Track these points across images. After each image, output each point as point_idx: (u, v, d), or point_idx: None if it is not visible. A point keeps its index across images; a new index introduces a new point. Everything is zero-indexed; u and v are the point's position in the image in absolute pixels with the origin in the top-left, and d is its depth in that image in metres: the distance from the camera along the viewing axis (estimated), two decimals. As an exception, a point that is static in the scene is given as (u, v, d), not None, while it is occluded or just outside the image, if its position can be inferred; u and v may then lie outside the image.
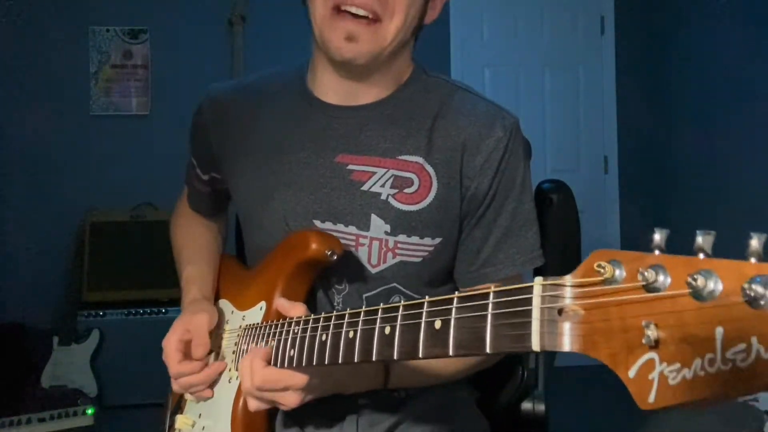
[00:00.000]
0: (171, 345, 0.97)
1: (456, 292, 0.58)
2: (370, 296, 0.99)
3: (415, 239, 0.96)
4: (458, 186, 0.97)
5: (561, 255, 1.13)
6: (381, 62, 0.95)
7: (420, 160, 0.96)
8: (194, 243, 1.17)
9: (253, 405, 0.85)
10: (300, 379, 0.80)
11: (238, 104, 1.07)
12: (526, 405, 1.16)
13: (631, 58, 3.99)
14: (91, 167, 3.49)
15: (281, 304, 0.89)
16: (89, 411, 2.71)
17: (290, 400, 0.82)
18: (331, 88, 1.00)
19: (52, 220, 3.41)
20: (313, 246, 0.91)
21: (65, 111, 3.50)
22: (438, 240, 0.98)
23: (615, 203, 4.01)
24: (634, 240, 3.99)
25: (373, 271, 0.97)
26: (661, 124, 3.92)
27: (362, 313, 0.69)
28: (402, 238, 0.96)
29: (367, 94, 0.99)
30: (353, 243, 0.97)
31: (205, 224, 1.22)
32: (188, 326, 0.98)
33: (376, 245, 0.96)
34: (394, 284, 0.98)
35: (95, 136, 3.52)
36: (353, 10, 0.89)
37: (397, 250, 0.97)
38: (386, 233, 0.96)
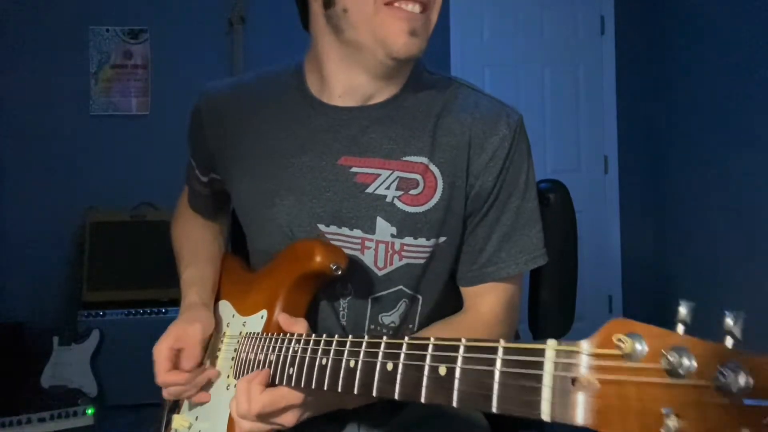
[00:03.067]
0: (161, 353, 0.96)
1: (463, 339, 0.55)
2: (377, 299, 0.98)
3: (421, 241, 0.95)
4: (464, 185, 0.96)
5: (557, 255, 1.13)
6: None
7: (424, 160, 0.95)
8: (194, 244, 1.16)
9: (246, 427, 0.83)
10: (297, 396, 0.80)
11: (235, 105, 1.04)
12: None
13: (631, 58, 3.98)
14: (91, 167, 3.48)
15: (283, 319, 0.88)
16: (89, 411, 2.71)
17: (288, 419, 0.82)
18: (346, 90, 0.97)
19: (52, 220, 3.41)
20: (318, 259, 0.89)
21: (65, 111, 3.50)
22: (443, 239, 0.97)
23: (615, 203, 4.01)
24: (635, 241, 3.99)
25: (380, 273, 0.96)
26: (662, 123, 3.92)
27: (364, 344, 0.67)
28: (408, 240, 0.95)
29: (383, 92, 0.97)
30: (359, 247, 0.95)
31: (205, 225, 1.21)
32: (181, 335, 0.97)
33: (382, 248, 0.95)
34: (401, 287, 0.97)
35: (95, 136, 3.52)
36: (409, 7, 0.87)
37: (403, 253, 0.95)
38: (392, 236, 0.95)
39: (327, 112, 0.98)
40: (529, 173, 0.99)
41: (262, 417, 0.81)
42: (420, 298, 1.00)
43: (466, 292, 1.02)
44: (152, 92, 3.59)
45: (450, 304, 1.05)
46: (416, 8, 0.88)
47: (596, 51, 4.00)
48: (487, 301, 1.00)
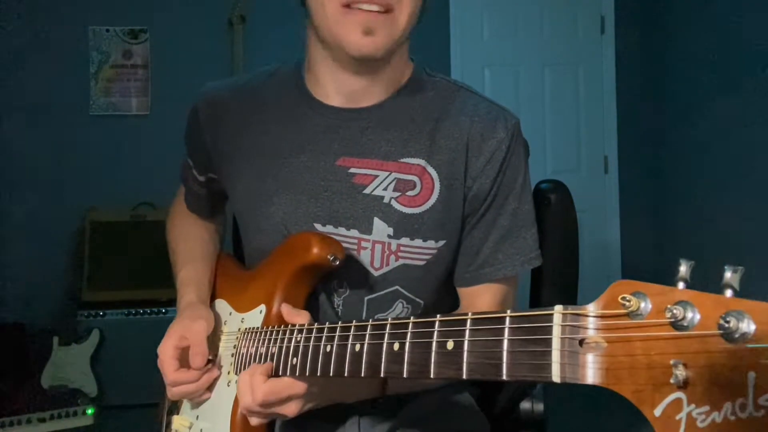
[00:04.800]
0: (167, 352, 0.95)
1: (470, 313, 0.56)
2: (372, 299, 0.98)
3: (418, 242, 0.96)
4: (461, 187, 0.96)
5: (559, 255, 1.13)
6: (391, 55, 0.93)
7: (422, 162, 0.96)
8: (190, 244, 1.16)
9: (255, 421, 0.84)
10: (300, 387, 0.80)
11: (234, 105, 1.04)
12: (525, 405, 1.17)
13: (631, 58, 3.99)
14: (91, 167, 3.48)
15: (285, 310, 0.88)
16: (89, 411, 2.72)
17: (290, 409, 0.82)
18: (335, 90, 0.98)
19: (52, 220, 3.41)
20: (315, 250, 0.90)
21: (65, 111, 3.50)
22: (441, 243, 0.97)
23: (615, 203, 4.01)
24: (635, 241, 3.99)
25: (376, 274, 0.97)
26: (662, 123, 3.92)
27: (369, 327, 0.68)
28: (405, 241, 0.95)
29: (371, 94, 0.98)
30: (355, 247, 0.96)
31: (202, 224, 1.20)
32: (185, 333, 0.96)
33: (378, 248, 0.95)
34: (397, 287, 0.98)
35: (95, 136, 3.52)
36: (365, 6, 0.87)
37: (399, 253, 0.96)
38: (389, 236, 0.95)
39: (325, 112, 0.99)
40: (526, 176, 1.00)
41: (266, 405, 0.81)
42: (420, 301, 1.00)
43: (463, 292, 1.03)
44: (152, 92, 3.59)
45: (446, 304, 1.05)
46: (372, 7, 0.87)
47: (596, 51, 4.00)
48: (483, 300, 1.01)
